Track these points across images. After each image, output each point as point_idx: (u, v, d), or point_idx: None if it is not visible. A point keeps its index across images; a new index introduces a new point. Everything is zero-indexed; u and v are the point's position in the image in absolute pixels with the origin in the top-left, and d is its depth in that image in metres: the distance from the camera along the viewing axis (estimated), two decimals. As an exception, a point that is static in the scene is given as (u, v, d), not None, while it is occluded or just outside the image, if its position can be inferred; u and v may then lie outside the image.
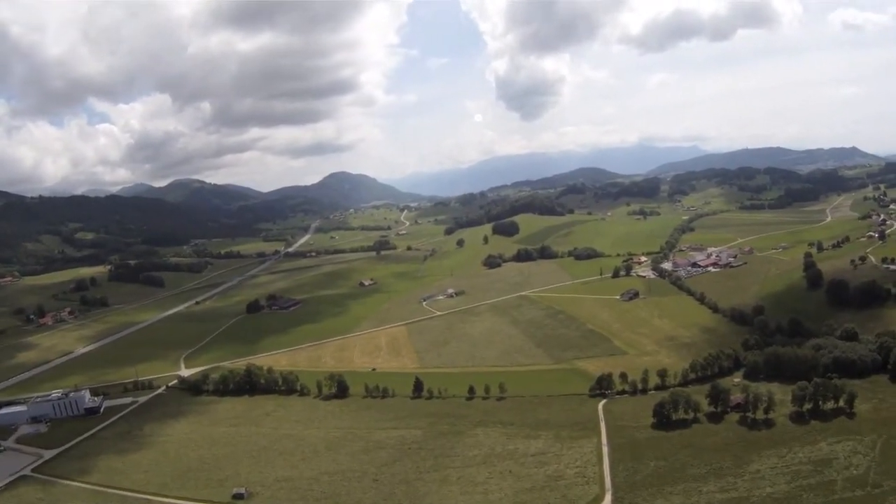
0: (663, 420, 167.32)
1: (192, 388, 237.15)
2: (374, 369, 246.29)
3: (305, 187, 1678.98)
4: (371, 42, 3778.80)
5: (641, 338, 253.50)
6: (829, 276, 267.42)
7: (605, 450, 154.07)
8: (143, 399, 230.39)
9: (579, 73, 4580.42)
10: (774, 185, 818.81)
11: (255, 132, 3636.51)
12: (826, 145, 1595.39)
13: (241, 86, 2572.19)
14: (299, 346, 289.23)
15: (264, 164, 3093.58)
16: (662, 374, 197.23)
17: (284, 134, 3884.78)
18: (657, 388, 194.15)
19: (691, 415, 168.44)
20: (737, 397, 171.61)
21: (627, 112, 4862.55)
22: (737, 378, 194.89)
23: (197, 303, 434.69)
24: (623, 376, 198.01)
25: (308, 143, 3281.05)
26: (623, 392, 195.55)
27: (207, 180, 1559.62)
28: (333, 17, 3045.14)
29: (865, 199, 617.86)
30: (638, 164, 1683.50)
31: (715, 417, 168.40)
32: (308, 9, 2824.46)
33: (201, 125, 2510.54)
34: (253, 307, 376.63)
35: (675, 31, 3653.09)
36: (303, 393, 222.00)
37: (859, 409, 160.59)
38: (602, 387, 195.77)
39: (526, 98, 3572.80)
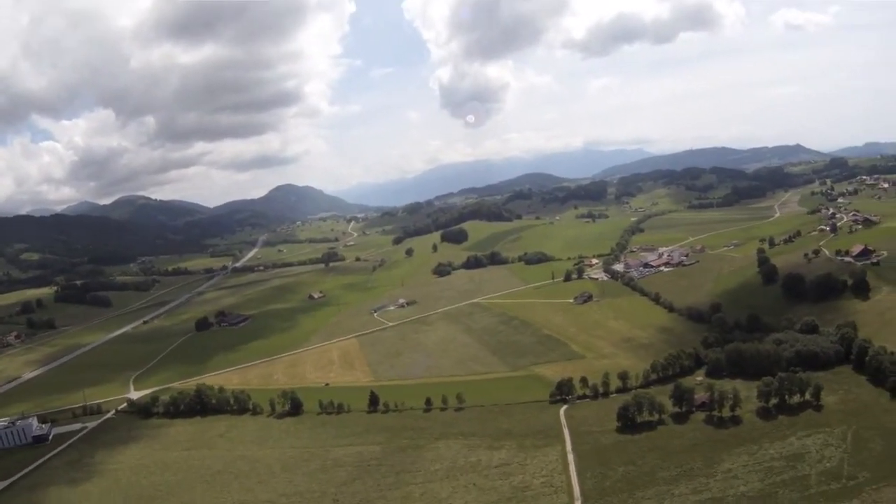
0: (628, 423, 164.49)
1: (142, 411, 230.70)
2: (327, 384, 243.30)
3: (252, 201, 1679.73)
4: (314, 53, 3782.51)
5: (598, 340, 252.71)
6: (783, 271, 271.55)
7: (570, 457, 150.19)
8: (92, 424, 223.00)
9: (523, 79, 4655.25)
10: (721, 183, 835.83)
11: (199, 146, 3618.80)
12: (770, 143, 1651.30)
13: (185, 99, 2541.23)
14: (250, 363, 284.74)
15: (210, 178, 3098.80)
16: (623, 376, 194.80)
17: (229, 147, 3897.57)
18: (619, 390, 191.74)
19: (656, 416, 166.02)
20: (701, 396, 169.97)
21: (572, 117, 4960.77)
22: (699, 377, 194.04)
23: (145, 322, 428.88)
24: (583, 381, 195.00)
25: (253, 156, 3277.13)
26: (584, 397, 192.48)
27: (153, 196, 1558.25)
28: (275, 28, 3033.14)
29: (813, 194, 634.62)
30: (583, 169, 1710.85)
31: (680, 418, 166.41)
32: (249, 20, 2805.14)
33: (145, 140, 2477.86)
34: (202, 325, 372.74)
35: (618, 35, 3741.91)
36: (256, 412, 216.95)
37: (826, 402, 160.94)
38: (562, 392, 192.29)
39: (470, 105, 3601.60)
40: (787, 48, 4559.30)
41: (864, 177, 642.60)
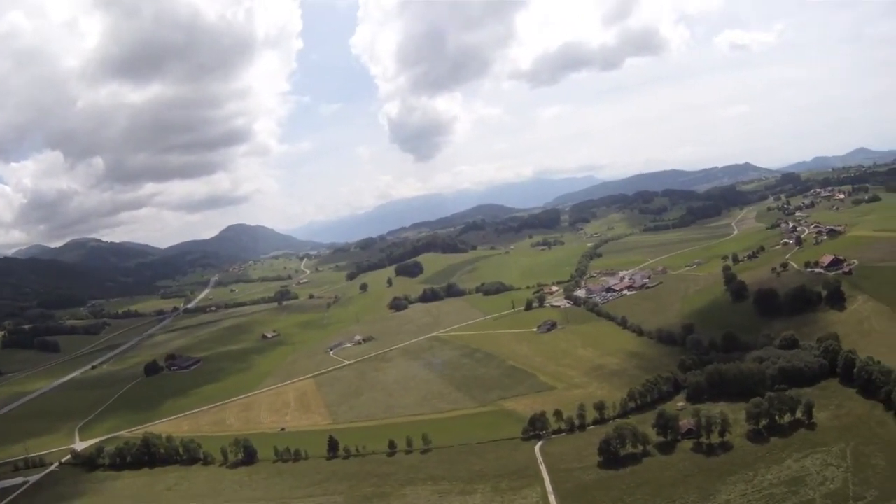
0: (610, 457, 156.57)
1: (87, 462, 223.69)
2: (283, 429, 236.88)
3: (204, 241, 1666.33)
4: (262, 90, 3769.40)
5: (567, 370, 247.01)
6: (754, 287, 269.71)
7: (551, 498, 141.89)
8: (34, 478, 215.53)
9: (473, 111, 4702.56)
10: (674, 205, 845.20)
11: (149, 187, 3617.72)
12: (720, 163, 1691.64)
13: (133, 139, 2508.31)
14: (201, 409, 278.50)
15: (161, 219, 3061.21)
16: (600, 406, 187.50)
17: (179, 188, 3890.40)
18: (596, 422, 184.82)
19: (640, 448, 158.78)
20: (686, 423, 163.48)
21: (522, 147, 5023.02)
22: (680, 402, 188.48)
23: (93, 367, 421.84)
24: (557, 414, 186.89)
25: (204, 196, 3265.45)
26: (559, 431, 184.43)
27: (104, 239, 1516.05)
28: (223, 66, 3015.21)
29: (769, 209, 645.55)
30: (535, 198, 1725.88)
31: (666, 448, 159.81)
32: (196, 58, 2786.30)
33: (95, 182, 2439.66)
34: (151, 369, 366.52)
35: (565, 64, 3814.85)
36: (206, 462, 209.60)
37: (818, 419, 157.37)
38: (536, 427, 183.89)
39: (420, 139, 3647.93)
40: (732, 68, 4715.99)
41: (819, 189, 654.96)
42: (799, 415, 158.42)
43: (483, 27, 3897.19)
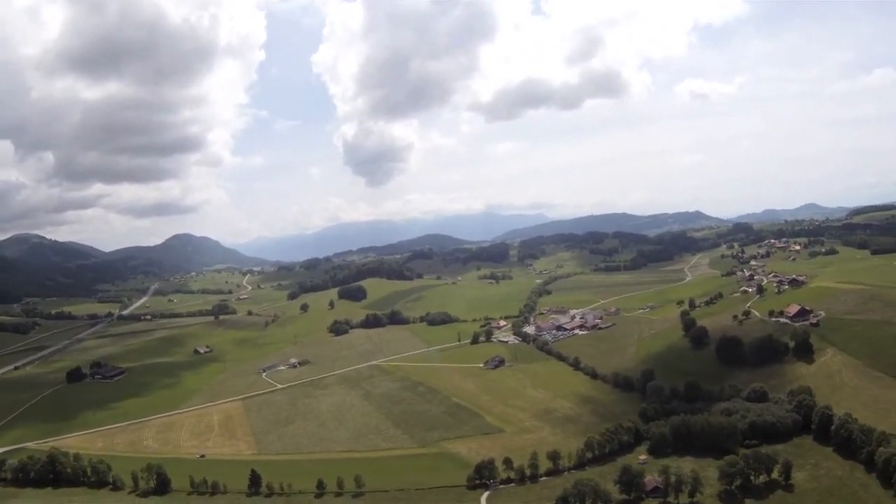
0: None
1: None
2: (203, 456, 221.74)
3: (148, 248, 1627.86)
4: (220, 100, 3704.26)
5: (516, 411, 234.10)
6: (715, 334, 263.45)
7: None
8: None
9: (428, 140, 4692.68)
10: (625, 247, 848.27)
11: (98, 188, 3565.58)
12: (670, 210, 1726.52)
13: (86, 137, 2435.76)
14: (119, 425, 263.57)
15: (108, 222, 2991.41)
16: (554, 456, 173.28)
17: (129, 192, 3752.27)
18: (549, 473, 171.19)
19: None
20: (652, 479, 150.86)
21: (474, 180, 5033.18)
22: (642, 455, 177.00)
23: (16, 368, 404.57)
24: (507, 462, 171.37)
25: (152, 202, 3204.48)
26: (509, 481, 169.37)
27: (49, 236, 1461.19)
28: (182, 71, 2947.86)
29: (723, 257, 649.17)
30: (484, 232, 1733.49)
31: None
32: (156, 60, 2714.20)
33: (44, 177, 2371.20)
34: (75, 375, 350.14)
35: (525, 100, 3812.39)
36: (116, 486, 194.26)
37: (796, 480, 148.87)
38: (482, 475, 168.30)
39: (373, 164, 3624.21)
40: (691, 117, 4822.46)
41: (773, 240, 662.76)
42: (775, 475, 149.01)
43: (447, 57, 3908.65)
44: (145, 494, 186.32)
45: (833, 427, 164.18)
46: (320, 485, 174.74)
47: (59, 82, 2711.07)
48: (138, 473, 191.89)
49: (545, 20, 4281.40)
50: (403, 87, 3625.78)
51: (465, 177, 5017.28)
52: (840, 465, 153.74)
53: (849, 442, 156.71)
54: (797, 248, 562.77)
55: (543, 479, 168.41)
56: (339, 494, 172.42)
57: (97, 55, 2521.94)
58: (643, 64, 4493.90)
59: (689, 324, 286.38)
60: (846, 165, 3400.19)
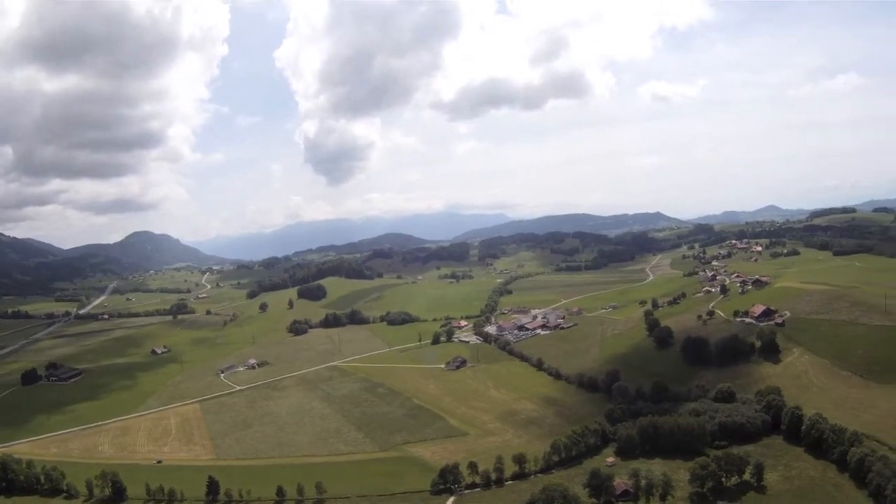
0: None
1: None
2: (160, 461, 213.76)
3: (108, 246, 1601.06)
4: (181, 94, 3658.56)
5: (480, 413, 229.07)
6: (680, 334, 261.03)
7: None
8: None
9: (389, 139, 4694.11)
10: (585, 247, 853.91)
11: (57, 183, 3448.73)
12: (631, 211, 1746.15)
13: (45, 131, 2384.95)
14: (74, 429, 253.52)
15: (66, 218, 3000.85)
16: (520, 459, 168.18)
17: (87, 188, 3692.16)
18: (515, 476, 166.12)
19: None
20: (622, 483, 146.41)
21: (435, 179, 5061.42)
22: (609, 457, 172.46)
23: None
24: (472, 466, 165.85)
25: (112, 198, 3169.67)
26: (474, 485, 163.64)
27: (7, 233, 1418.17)
28: (143, 64, 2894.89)
29: (684, 257, 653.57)
30: (444, 231, 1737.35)
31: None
32: (117, 52, 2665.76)
33: (2, 172, 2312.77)
34: (29, 377, 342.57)
35: (487, 99, 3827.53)
36: (70, 495, 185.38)
37: (768, 481, 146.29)
38: (447, 480, 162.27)
39: (334, 162, 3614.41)
40: (652, 119, 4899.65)
41: (735, 241, 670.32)
42: (747, 476, 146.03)
43: (411, 54, 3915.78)
44: (100, 503, 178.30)
45: (804, 427, 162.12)
46: (280, 491, 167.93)
47: (19, 72, 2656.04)
48: (93, 481, 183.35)
49: (510, 20, 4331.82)
50: (366, 84, 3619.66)
51: (426, 176, 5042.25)
52: (812, 465, 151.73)
53: (820, 442, 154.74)
54: (759, 248, 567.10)
55: (510, 483, 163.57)
56: (299, 502, 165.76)
57: (59, 46, 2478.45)
58: (607, 65, 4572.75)
59: (652, 324, 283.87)
60: (807, 168, 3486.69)
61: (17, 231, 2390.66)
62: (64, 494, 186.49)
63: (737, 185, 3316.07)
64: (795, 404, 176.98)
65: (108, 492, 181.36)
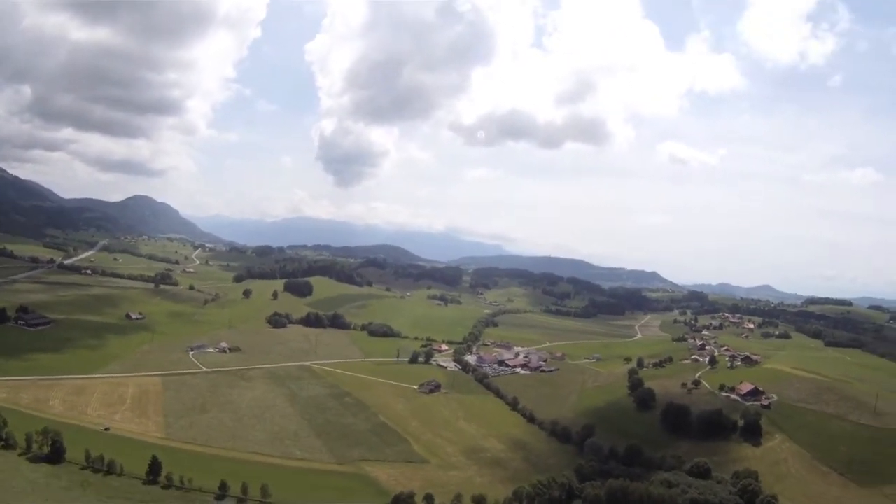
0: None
1: None
2: (107, 429, 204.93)
3: (107, 203, 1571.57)
4: (207, 68, 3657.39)
5: (445, 444, 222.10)
6: (662, 399, 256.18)
7: None
8: None
9: (404, 150, 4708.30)
10: (578, 294, 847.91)
11: (68, 132, 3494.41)
12: (628, 266, 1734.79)
13: (66, 78, 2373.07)
14: (29, 378, 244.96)
15: (72, 169, 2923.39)
16: (479, 500, 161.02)
17: (98, 143, 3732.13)
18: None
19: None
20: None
21: (442, 199, 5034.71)
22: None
23: None
24: (428, 498, 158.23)
25: (120, 157, 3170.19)
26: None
27: (10, 171, 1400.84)
28: (175, 32, 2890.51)
29: (675, 321, 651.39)
30: (440, 252, 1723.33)
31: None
32: (152, 14, 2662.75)
33: (17, 110, 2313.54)
34: None
35: (507, 130, 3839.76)
36: (8, 444, 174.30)
37: None
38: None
39: (345, 164, 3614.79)
40: (666, 179, 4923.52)
41: (728, 314, 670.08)
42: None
43: (440, 71, 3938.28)
44: (36, 459, 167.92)
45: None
46: (223, 486, 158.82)
47: (52, 17, 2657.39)
48: (34, 435, 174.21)
49: (543, 55, 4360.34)
50: (391, 92, 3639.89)
51: (433, 194, 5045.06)
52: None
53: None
54: (751, 326, 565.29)
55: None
56: (241, 501, 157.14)
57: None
58: (630, 117, 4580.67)
59: (636, 383, 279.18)
60: (808, 254, 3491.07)
61: (21, 171, 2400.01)
62: (2, 443, 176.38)
63: (736, 258, 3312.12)
64: (771, 493, 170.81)
65: (46, 449, 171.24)
